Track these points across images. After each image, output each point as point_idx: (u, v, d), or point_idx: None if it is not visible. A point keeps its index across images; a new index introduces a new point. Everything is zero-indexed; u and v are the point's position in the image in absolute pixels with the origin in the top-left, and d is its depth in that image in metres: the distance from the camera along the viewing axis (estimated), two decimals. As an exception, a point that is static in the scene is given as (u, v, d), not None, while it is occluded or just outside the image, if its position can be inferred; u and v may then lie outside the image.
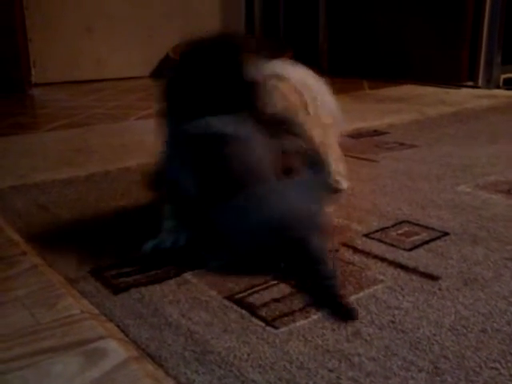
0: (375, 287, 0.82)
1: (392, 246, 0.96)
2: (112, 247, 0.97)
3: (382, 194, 1.24)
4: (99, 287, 0.83)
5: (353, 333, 0.70)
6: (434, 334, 0.69)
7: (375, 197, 1.22)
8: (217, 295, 0.80)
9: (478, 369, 0.63)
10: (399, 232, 1.02)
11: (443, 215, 1.10)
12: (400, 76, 3.08)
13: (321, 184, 0.98)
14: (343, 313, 0.74)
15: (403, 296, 0.79)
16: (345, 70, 3.27)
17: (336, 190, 1.24)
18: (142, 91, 2.90)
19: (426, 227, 1.04)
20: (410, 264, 0.89)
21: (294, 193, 0.90)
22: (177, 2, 3.50)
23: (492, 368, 0.63)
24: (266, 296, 0.79)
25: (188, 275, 0.86)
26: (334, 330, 0.71)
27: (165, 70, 0.97)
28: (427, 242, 0.97)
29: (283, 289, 0.81)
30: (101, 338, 0.70)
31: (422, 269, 0.87)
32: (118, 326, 0.73)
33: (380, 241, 0.98)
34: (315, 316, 0.74)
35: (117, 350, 0.68)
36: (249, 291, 0.81)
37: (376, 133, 1.85)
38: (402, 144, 1.69)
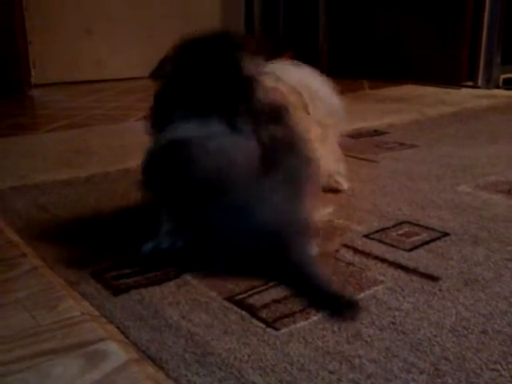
0: (375, 288, 0.82)
1: (392, 246, 0.96)
2: (112, 248, 0.97)
3: (382, 194, 1.24)
4: (100, 289, 0.83)
5: (353, 334, 0.70)
6: (435, 336, 0.69)
7: (375, 197, 1.21)
8: (217, 296, 0.80)
9: (478, 370, 0.62)
10: (399, 232, 1.02)
11: (443, 215, 1.10)
12: (400, 76, 3.08)
13: (303, 176, 0.94)
14: (343, 306, 0.74)
15: (404, 297, 0.79)
16: (345, 70, 3.27)
17: (336, 191, 1.24)
18: (141, 92, 2.90)
19: (427, 228, 1.04)
20: (410, 265, 0.89)
21: (272, 196, 0.87)
22: (176, 3, 3.50)
23: (493, 370, 0.63)
24: (267, 297, 0.79)
25: (188, 276, 0.86)
26: (334, 331, 0.71)
27: (163, 69, 0.94)
28: (427, 243, 0.97)
29: (283, 290, 0.81)
30: (101, 340, 0.70)
31: (422, 269, 0.87)
32: (119, 328, 0.73)
33: (380, 241, 0.98)
34: (315, 317, 0.74)
35: (117, 352, 0.68)
36: (249, 292, 0.81)
37: (376, 133, 1.85)
38: (402, 144, 1.69)
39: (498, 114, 2.18)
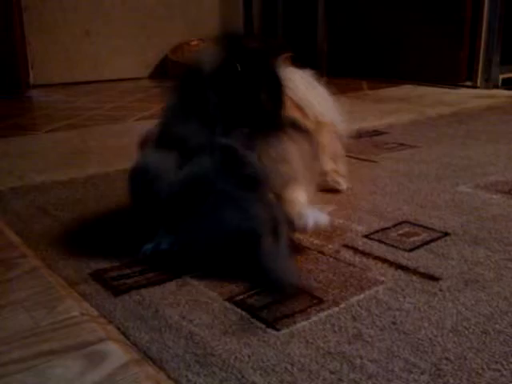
0: (376, 288, 0.82)
1: (392, 246, 0.96)
2: (112, 249, 0.97)
3: (382, 194, 1.23)
4: (99, 289, 0.83)
5: (354, 334, 0.70)
6: (436, 336, 0.69)
7: (375, 197, 1.21)
8: (217, 297, 0.80)
9: (480, 370, 0.62)
10: (399, 232, 1.02)
11: (443, 215, 1.10)
12: (399, 76, 3.08)
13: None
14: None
15: (404, 297, 0.79)
16: (344, 71, 3.27)
17: (335, 191, 1.24)
18: (140, 93, 2.90)
19: (427, 227, 1.04)
20: (410, 265, 0.89)
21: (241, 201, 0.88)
22: (176, 4, 3.50)
23: (494, 369, 0.62)
24: (267, 297, 0.79)
25: (188, 277, 0.86)
26: (335, 331, 0.71)
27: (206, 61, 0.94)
28: (428, 243, 0.97)
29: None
30: (101, 340, 0.70)
31: (422, 269, 0.87)
32: (119, 329, 0.73)
33: (380, 241, 0.98)
34: (316, 317, 0.74)
35: (117, 353, 0.68)
36: (249, 293, 0.81)
37: (375, 133, 1.85)
38: (401, 144, 1.69)
39: (498, 113, 2.18)
